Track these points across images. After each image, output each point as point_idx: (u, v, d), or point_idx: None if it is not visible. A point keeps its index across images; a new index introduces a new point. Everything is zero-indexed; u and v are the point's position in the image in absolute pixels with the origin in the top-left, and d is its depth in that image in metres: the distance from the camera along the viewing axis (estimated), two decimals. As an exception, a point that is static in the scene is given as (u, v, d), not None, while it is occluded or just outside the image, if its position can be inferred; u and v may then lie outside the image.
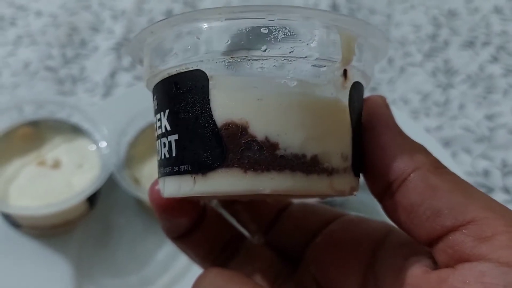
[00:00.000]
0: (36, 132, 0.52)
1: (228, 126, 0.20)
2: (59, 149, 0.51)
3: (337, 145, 0.21)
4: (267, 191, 0.20)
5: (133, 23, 0.69)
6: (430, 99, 0.62)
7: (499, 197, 0.54)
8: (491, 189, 0.54)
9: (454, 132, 0.59)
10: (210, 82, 0.20)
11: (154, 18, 0.70)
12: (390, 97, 0.62)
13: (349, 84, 0.21)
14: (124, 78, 0.64)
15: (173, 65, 0.21)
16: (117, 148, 0.50)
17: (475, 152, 0.57)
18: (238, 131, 0.20)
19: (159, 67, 0.22)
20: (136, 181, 0.51)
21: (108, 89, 0.63)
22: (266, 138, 0.19)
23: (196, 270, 0.54)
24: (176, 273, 0.50)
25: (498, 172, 0.56)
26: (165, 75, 0.22)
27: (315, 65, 0.20)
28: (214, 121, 0.20)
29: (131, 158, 0.52)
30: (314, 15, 0.20)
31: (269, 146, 0.19)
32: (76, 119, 0.53)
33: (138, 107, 0.54)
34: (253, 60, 0.20)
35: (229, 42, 0.20)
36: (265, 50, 0.20)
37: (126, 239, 0.52)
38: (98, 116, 0.52)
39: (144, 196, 0.48)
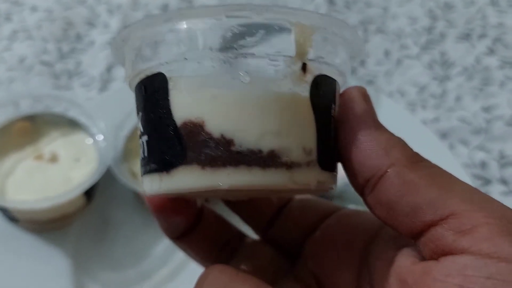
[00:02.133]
0: (33, 127, 0.52)
1: (186, 125, 0.20)
2: (56, 143, 0.51)
3: (296, 139, 0.21)
4: (225, 186, 0.20)
5: (129, 17, 0.69)
6: (426, 91, 0.62)
7: (496, 188, 0.54)
8: (488, 181, 0.55)
9: (451, 124, 0.59)
10: (170, 84, 0.21)
11: (150, 12, 0.70)
12: (387, 89, 0.62)
13: (309, 78, 0.21)
14: (120, 72, 0.64)
15: (142, 68, 0.22)
16: (114, 142, 0.50)
17: (472, 143, 0.57)
18: (196, 129, 0.20)
19: (133, 71, 0.23)
20: (134, 175, 0.50)
21: (105, 83, 0.63)
22: (222, 135, 0.20)
23: (194, 265, 0.54)
24: (174, 267, 0.50)
25: (495, 164, 0.56)
26: (137, 79, 0.22)
27: (269, 60, 0.20)
28: (174, 120, 0.21)
29: (129, 151, 0.52)
30: (266, 11, 0.20)
31: (224, 143, 0.20)
32: (72, 113, 0.53)
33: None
34: (207, 59, 0.20)
35: (184, 43, 0.21)
36: (216, 49, 0.20)
37: (124, 233, 0.52)
38: (95, 110, 0.52)
39: (142, 189, 0.48)
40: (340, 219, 0.27)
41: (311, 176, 0.21)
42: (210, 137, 0.20)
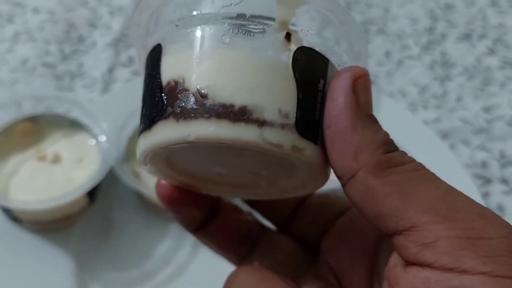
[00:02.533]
0: (35, 128, 0.52)
1: (169, 83, 0.21)
2: (58, 144, 0.51)
3: (272, 100, 0.21)
4: (192, 137, 0.21)
5: (131, 19, 0.69)
6: (428, 92, 0.62)
7: (497, 188, 0.54)
8: (489, 180, 0.55)
9: (452, 124, 0.59)
10: (162, 51, 0.22)
11: (152, 14, 0.70)
12: (388, 90, 0.62)
13: (293, 47, 0.21)
14: (122, 73, 0.64)
15: (148, 43, 0.24)
16: (117, 143, 0.51)
17: (473, 143, 0.58)
18: (176, 86, 0.21)
19: (144, 49, 0.24)
20: (136, 175, 0.51)
21: (107, 84, 0.63)
22: (198, 89, 0.21)
23: (198, 264, 0.54)
24: (177, 267, 0.50)
25: (496, 163, 0.56)
26: (145, 56, 0.24)
27: (250, 25, 0.21)
28: (161, 82, 0.22)
29: (131, 152, 0.52)
30: None
31: (199, 97, 0.21)
32: (75, 114, 0.53)
33: (137, 101, 0.54)
34: (193, 23, 0.22)
35: (174, 9, 0.22)
36: (201, 12, 0.22)
37: (126, 233, 0.52)
38: (98, 111, 0.52)
39: (145, 190, 0.49)
40: (355, 216, 0.27)
41: (285, 138, 0.21)
42: (187, 92, 0.21)
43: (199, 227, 0.27)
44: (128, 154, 0.52)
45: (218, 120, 0.20)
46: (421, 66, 0.64)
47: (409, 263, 0.20)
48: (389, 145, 0.21)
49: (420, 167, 0.21)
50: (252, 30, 0.21)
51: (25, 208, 0.47)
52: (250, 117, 0.21)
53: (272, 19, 0.21)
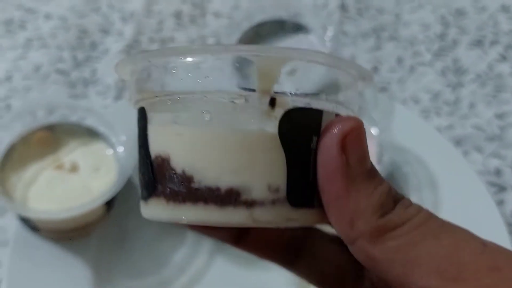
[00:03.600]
0: (52, 136, 0.52)
1: (157, 158, 0.21)
2: (75, 153, 0.52)
3: (259, 177, 0.20)
4: (184, 222, 0.21)
5: (143, 25, 0.70)
6: (440, 98, 0.62)
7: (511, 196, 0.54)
8: (503, 188, 0.55)
9: (465, 131, 0.59)
10: (148, 118, 0.22)
11: (164, 20, 0.70)
12: (400, 96, 0.62)
13: (278, 113, 0.20)
14: (135, 80, 0.64)
15: (137, 99, 0.23)
16: (134, 151, 0.51)
17: (486, 151, 0.58)
18: (163, 163, 0.21)
19: (133, 102, 0.24)
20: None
21: (120, 91, 0.63)
22: (183, 171, 0.20)
23: (215, 272, 0.54)
24: (194, 275, 0.51)
25: (510, 171, 0.56)
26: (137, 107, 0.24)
27: (232, 96, 0.20)
28: (149, 153, 0.22)
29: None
30: (230, 50, 0.21)
31: (185, 179, 0.20)
32: (90, 122, 0.53)
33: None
34: (173, 97, 0.21)
35: (156, 80, 0.22)
36: (180, 87, 0.21)
37: (143, 241, 0.52)
38: (114, 119, 0.52)
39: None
40: None
41: (277, 214, 0.21)
42: (174, 172, 0.21)
43: (238, 239, 0.27)
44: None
45: (206, 205, 0.20)
46: (433, 72, 0.64)
47: None
48: (386, 205, 0.20)
49: (420, 222, 0.20)
50: (234, 102, 0.20)
51: (44, 217, 0.47)
52: (238, 199, 0.20)
53: (254, 90, 0.20)
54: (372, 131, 0.54)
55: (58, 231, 0.50)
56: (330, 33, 0.60)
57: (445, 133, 0.59)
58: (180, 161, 0.20)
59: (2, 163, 0.50)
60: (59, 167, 0.50)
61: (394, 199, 0.21)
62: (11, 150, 0.51)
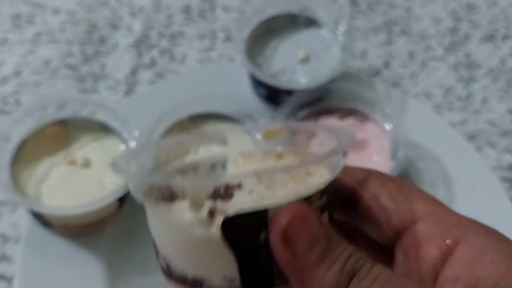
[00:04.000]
0: (64, 131, 0.52)
1: (154, 239, 0.25)
2: (88, 148, 0.51)
3: (214, 270, 0.23)
4: None
5: (152, 19, 0.69)
6: (453, 93, 0.62)
7: (525, 191, 0.54)
8: (517, 183, 0.55)
9: (478, 126, 0.59)
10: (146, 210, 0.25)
11: (173, 14, 0.70)
12: (413, 91, 0.62)
13: (220, 219, 0.22)
14: (145, 75, 0.64)
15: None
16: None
17: (499, 146, 0.58)
18: (156, 252, 0.25)
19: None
20: (166, 179, 0.51)
21: (130, 86, 0.63)
22: (163, 257, 0.24)
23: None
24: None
25: (524, 166, 0.56)
26: None
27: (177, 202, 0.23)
28: (150, 231, 0.25)
29: (160, 156, 0.52)
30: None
31: (166, 266, 0.24)
32: (101, 116, 0.53)
33: (164, 104, 0.55)
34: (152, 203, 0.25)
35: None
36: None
37: (156, 237, 0.52)
38: (126, 114, 0.52)
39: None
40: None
41: None
42: (161, 255, 0.24)
43: None
44: (157, 158, 0.52)
45: (184, 286, 0.24)
46: (445, 67, 0.64)
47: None
48: (340, 284, 0.20)
49: None
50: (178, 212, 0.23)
51: (58, 213, 0.47)
52: (203, 285, 0.23)
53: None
54: (386, 126, 0.53)
55: (71, 226, 0.50)
56: (342, 27, 0.60)
57: (458, 128, 0.59)
58: (160, 248, 0.24)
59: (14, 159, 0.49)
60: (72, 162, 0.50)
61: (350, 274, 0.21)
62: (23, 145, 0.51)
